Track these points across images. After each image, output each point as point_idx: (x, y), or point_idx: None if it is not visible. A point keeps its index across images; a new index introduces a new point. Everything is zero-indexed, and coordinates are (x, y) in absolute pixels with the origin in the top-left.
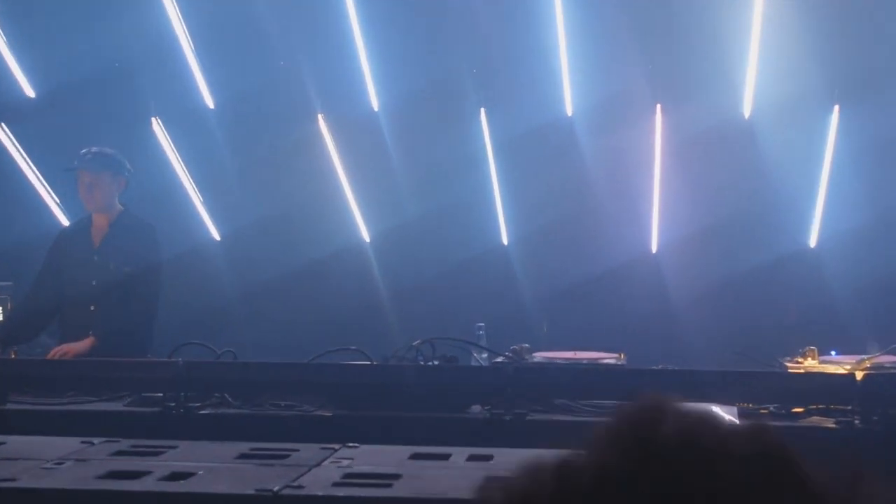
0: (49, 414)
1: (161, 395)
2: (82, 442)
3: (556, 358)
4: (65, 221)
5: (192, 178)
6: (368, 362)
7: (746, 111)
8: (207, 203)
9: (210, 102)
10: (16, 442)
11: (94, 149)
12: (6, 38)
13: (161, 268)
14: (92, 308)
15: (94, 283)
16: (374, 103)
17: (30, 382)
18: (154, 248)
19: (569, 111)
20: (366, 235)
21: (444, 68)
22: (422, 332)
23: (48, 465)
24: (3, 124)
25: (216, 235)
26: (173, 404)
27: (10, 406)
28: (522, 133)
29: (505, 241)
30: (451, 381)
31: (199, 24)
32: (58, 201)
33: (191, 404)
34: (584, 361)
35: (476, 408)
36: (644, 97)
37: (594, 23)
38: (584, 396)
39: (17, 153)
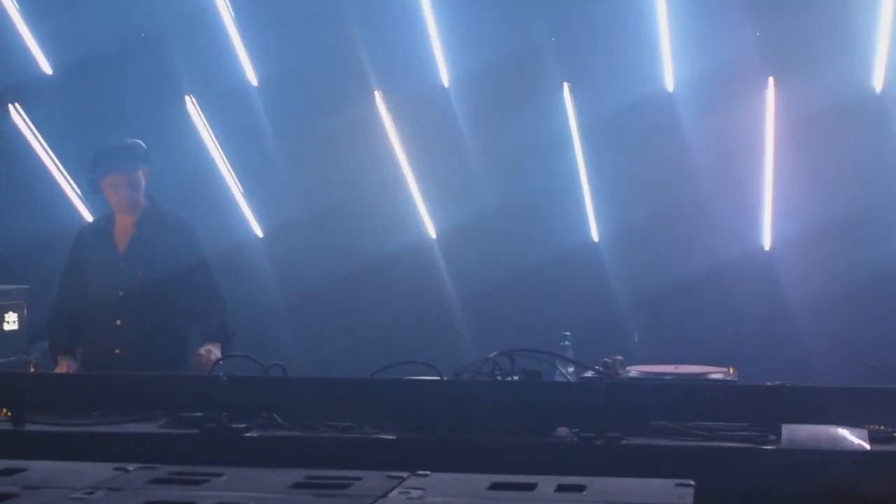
0: (75, 436)
1: (201, 414)
2: (115, 468)
3: (655, 372)
4: (87, 216)
5: (231, 165)
6: (438, 378)
7: (878, 84)
8: (249, 195)
9: (253, 79)
10: (39, 468)
11: (115, 143)
12: (20, 6)
13: (210, 269)
14: (118, 323)
15: (120, 293)
16: (443, 78)
17: (51, 400)
18: (194, 244)
19: (669, 86)
20: (432, 231)
21: (521, 37)
22: (498, 343)
23: (78, 495)
24: (17, 105)
25: (259, 232)
26: (215, 425)
27: (30, 427)
28: (613, 111)
29: (595, 236)
30: (534, 399)
31: None
32: (78, 192)
33: (235, 425)
34: (688, 376)
35: (563, 430)
36: (754, 69)
37: None
38: (687, 418)
39: (34, 137)
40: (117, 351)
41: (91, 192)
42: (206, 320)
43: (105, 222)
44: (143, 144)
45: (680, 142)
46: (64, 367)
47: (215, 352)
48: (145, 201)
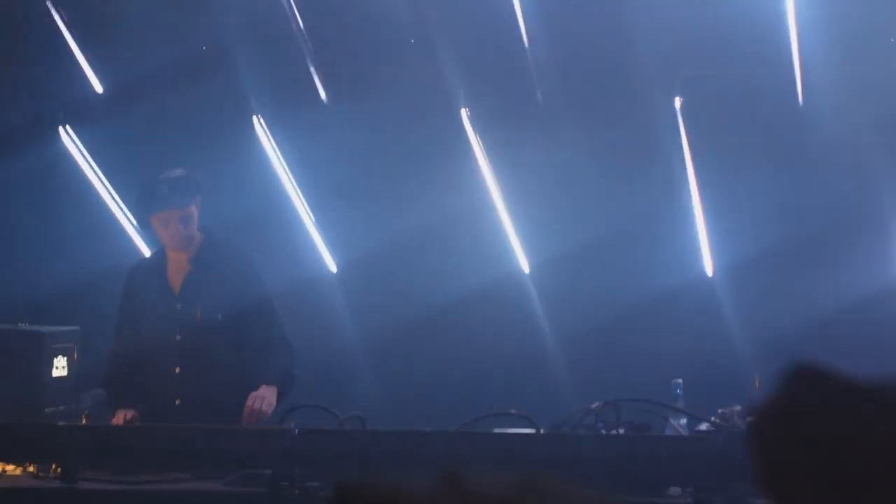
0: (132, 495)
1: (270, 471)
2: None
3: None
4: (144, 249)
5: (301, 192)
6: (534, 430)
7: None
8: (321, 224)
9: (324, 95)
10: None
11: (165, 176)
12: (70, 21)
13: (273, 307)
14: (177, 370)
15: (178, 338)
16: (538, 91)
17: (105, 455)
18: (254, 280)
19: (800, 98)
20: (525, 265)
21: (629, 43)
22: (602, 392)
23: None
24: (68, 127)
25: (332, 266)
26: (286, 483)
27: (84, 485)
28: (733, 128)
29: (709, 271)
30: (643, 454)
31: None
32: (133, 222)
33: (308, 483)
34: None
35: (675, 490)
36: None
37: None
38: None
39: (85, 163)
40: (178, 401)
41: (141, 227)
42: (265, 362)
43: (157, 260)
44: (195, 175)
45: (811, 163)
46: (121, 417)
47: (269, 398)
48: (200, 235)
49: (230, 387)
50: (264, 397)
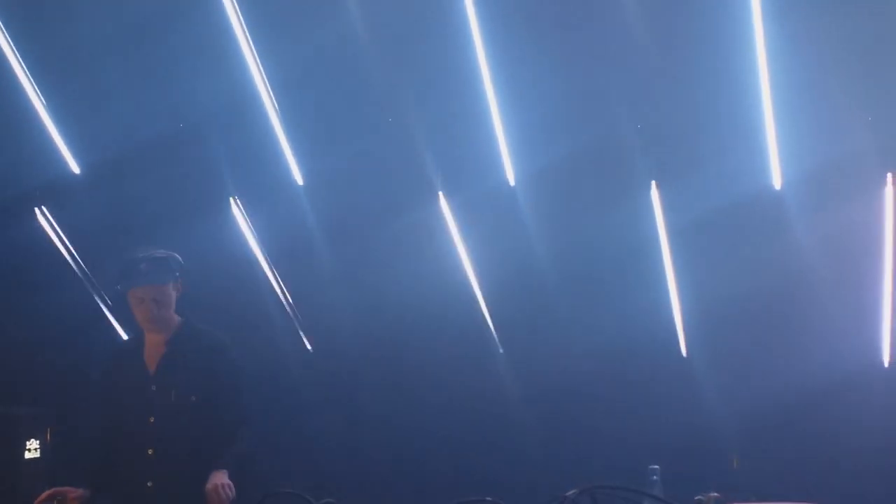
0: None
1: None
2: None
3: None
4: (119, 328)
5: (278, 274)
6: None
7: None
8: (299, 306)
9: (298, 178)
10: None
11: (145, 254)
12: (46, 101)
13: (242, 391)
14: (150, 452)
15: (150, 419)
16: (509, 176)
17: None
18: (229, 365)
19: (776, 183)
20: (499, 347)
21: (604, 128)
22: (577, 477)
23: None
24: (44, 208)
25: (308, 345)
26: None
27: None
28: (709, 210)
29: (684, 351)
30: None
31: (283, 82)
32: (109, 303)
33: None
34: None
35: None
36: (871, 165)
37: (800, 71)
38: None
39: (61, 243)
40: (149, 484)
41: (116, 304)
42: (224, 447)
43: (135, 342)
44: (178, 257)
45: (789, 244)
46: (78, 493)
47: (224, 480)
48: (178, 319)
49: (201, 470)
50: (223, 483)
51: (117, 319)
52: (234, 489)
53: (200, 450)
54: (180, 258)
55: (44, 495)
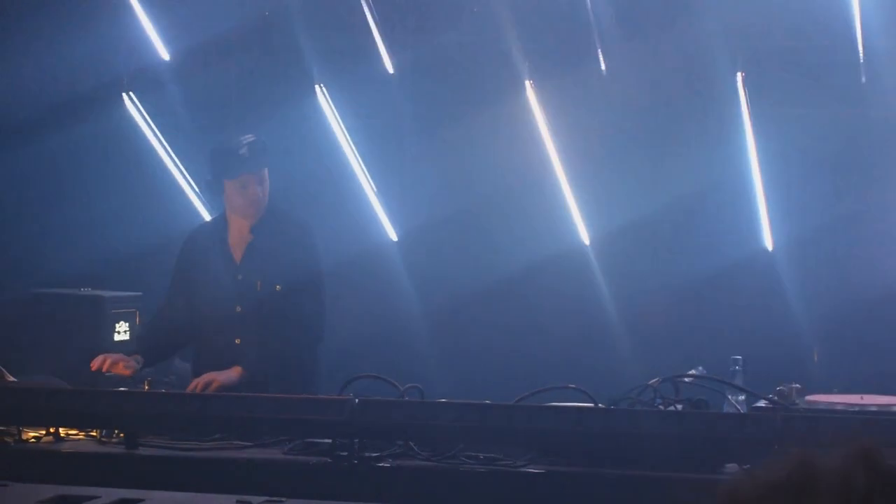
0: (192, 462)
1: (329, 441)
2: (238, 501)
3: (838, 403)
4: (206, 215)
5: (364, 162)
6: (592, 405)
7: None
8: (383, 194)
9: (389, 66)
10: (158, 499)
11: (245, 139)
12: None
13: (322, 278)
14: (237, 341)
15: (237, 308)
16: (602, 64)
17: (167, 422)
18: (311, 253)
19: (862, 77)
20: (585, 237)
21: (693, 22)
22: (661, 368)
23: None
24: (131, 94)
25: (393, 235)
26: (345, 453)
27: (143, 451)
28: (795, 101)
29: (769, 245)
30: (700, 432)
31: None
32: (196, 189)
33: (367, 454)
34: (874, 408)
35: (733, 467)
36: None
37: None
38: None
39: (149, 129)
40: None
41: (210, 194)
42: (274, 343)
43: (219, 226)
44: (265, 139)
45: (877, 143)
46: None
47: (225, 380)
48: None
49: (292, 358)
50: (218, 378)
51: (205, 205)
52: (217, 386)
53: (290, 339)
54: (266, 140)
55: (96, 361)
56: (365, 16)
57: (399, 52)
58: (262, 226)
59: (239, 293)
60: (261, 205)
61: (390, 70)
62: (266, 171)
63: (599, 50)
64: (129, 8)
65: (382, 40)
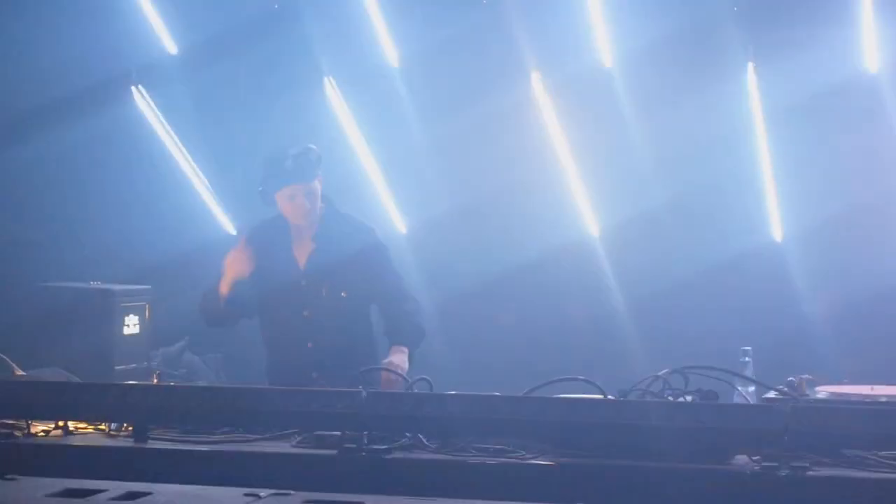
0: (200, 455)
1: (339, 433)
2: (246, 494)
3: (848, 394)
4: (213, 205)
5: (373, 154)
6: (601, 396)
7: None
8: (392, 186)
9: (394, 59)
10: (166, 493)
11: (292, 151)
12: None
13: (400, 278)
14: (309, 345)
15: (305, 313)
16: (606, 58)
17: (178, 414)
18: (376, 251)
19: (872, 66)
20: (594, 229)
21: (697, 11)
22: (670, 359)
23: None
24: (140, 87)
25: (402, 228)
26: (354, 446)
27: (153, 444)
28: (805, 96)
29: (777, 237)
30: (710, 423)
31: None
32: (207, 184)
33: (376, 446)
34: (884, 399)
35: (742, 458)
36: None
37: None
38: (883, 447)
39: (158, 122)
40: (314, 375)
41: (265, 203)
42: (396, 326)
43: (282, 228)
44: (316, 148)
45: (885, 129)
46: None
47: (400, 364)
48: (323, 207)
49: (364, 356)
50: (393, 363)
51: (214, 196)
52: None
53: (361, 338)
54: (317, 150)
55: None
56: (372, 8)
57: (406, 44)
58: (324, 234)
59: (305, 298)
60: (310, 215)
61: (397, 62)
62: (316, 182)
63: (603, 42)
64: (137, 2)
65: (390, 32)
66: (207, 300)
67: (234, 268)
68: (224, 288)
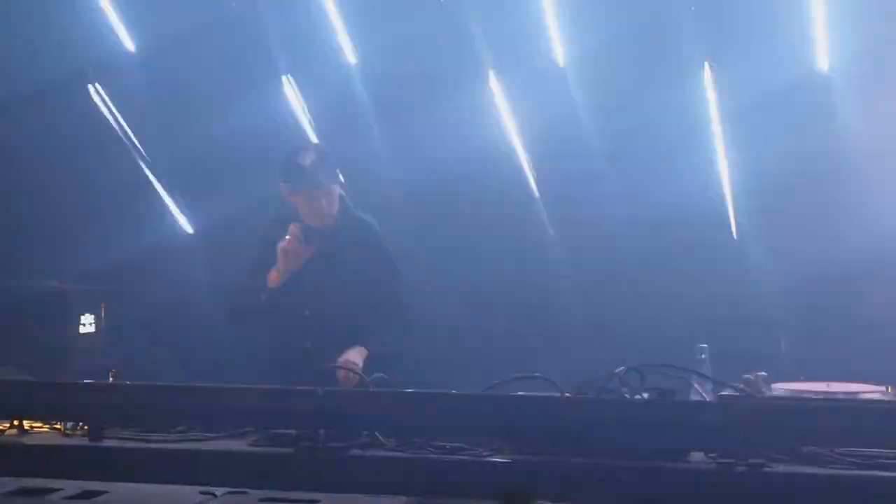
0: (156, 454)
1: (294, 431)
2: (202, 493)
3: (804, 391)
4: (170, 202)
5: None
6: (558, 394)
7: None
8: (349, 185)
9: (353, 56)
10: (120, 492)
11: (308, 155)
12: None
13: (399, 275)
14: (307, 345)
15: (305, 312)
16: (561, 57)
17: (133, 413)
18: (380, 252)
19: (823, 66)
20: (549, 227)
21: (657, 8)
22: (626, 356)
23: None
24: (97, 85)
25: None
26: (310, 444)
27: (108, 443)
28: (759, 94)
29: (733, 231)
30: (666, 420)
31: None
32: (164, 183)
33: (332, 444)
34: (840, 396)
35: (698, 455)
36: None
37: None
38: (839, 443)
39: (114, 120)
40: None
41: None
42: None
43: (291, 220)
44: (333, 154)
45: (837, 127)
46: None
47: (354, 360)
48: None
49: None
50: (348, 361)
51: (167, 191)
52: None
53: (353, 342)
54: (335, 155)
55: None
56: (330, 6)
57: (364, 42)
58: (339, 234)
59: (307, 297)
60: (327, 218)
61: (355, 59)
62: (334, 185)
63: (556, 42)
64: None
65: (347, 30)
66: (240, 297)
67: (291, 259)
68: (277, 281)
